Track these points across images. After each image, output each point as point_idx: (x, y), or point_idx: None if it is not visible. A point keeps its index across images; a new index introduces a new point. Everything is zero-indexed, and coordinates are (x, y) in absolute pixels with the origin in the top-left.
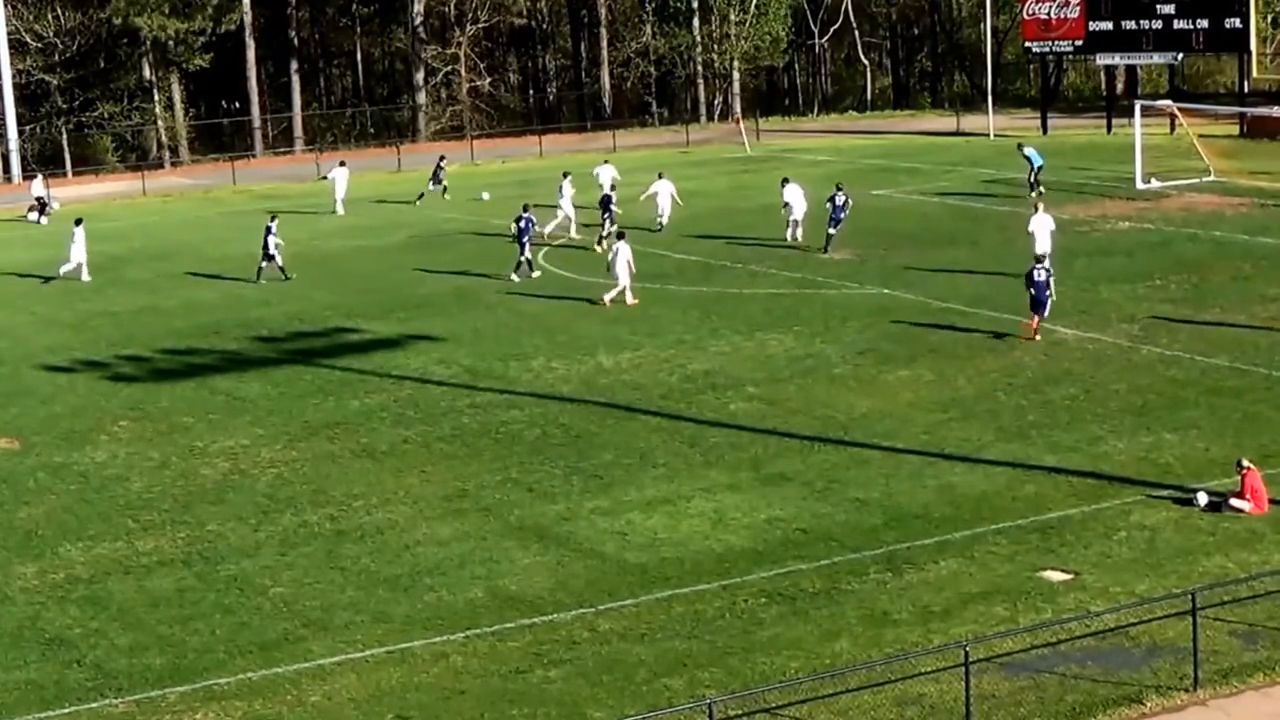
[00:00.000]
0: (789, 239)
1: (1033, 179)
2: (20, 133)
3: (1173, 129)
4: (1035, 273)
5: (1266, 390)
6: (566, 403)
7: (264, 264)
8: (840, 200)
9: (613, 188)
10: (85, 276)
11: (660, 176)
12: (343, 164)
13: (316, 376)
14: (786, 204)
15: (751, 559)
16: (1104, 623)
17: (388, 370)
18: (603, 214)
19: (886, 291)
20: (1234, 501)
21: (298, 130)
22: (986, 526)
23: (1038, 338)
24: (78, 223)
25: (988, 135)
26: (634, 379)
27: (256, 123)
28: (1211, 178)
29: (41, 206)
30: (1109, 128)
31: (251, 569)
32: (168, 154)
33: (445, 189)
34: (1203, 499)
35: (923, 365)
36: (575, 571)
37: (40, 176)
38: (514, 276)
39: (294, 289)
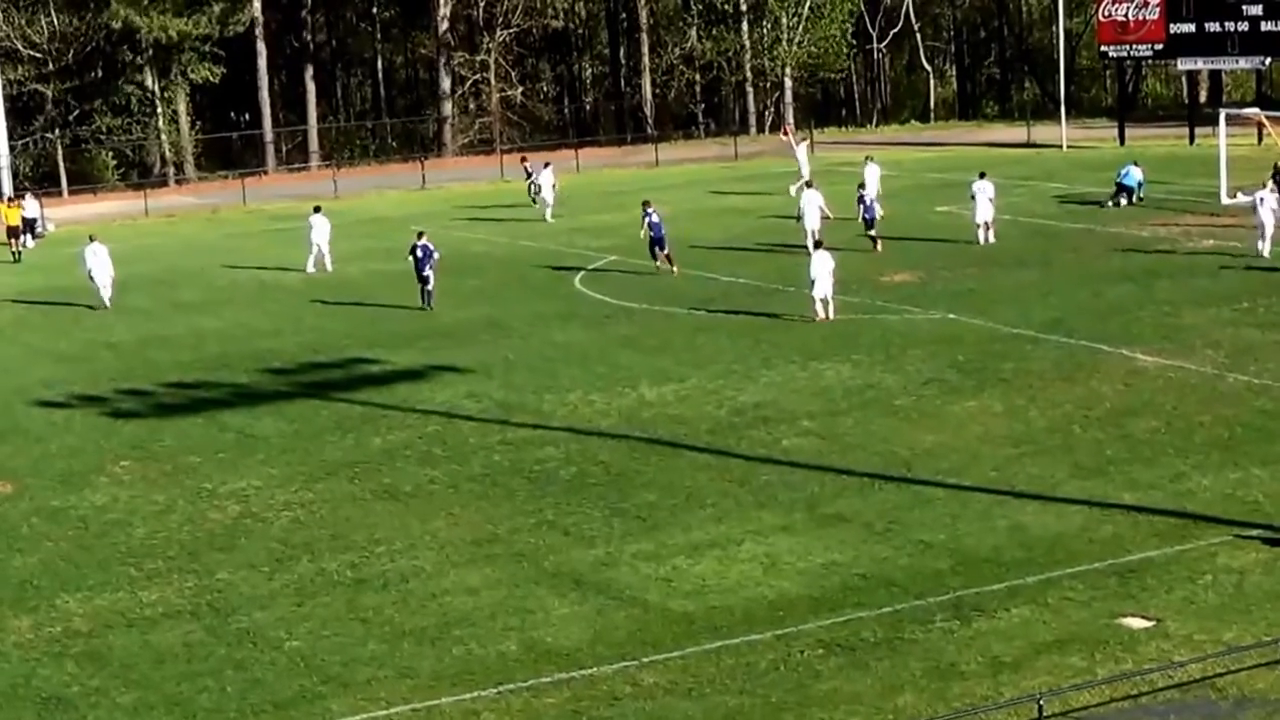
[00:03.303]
0: (980, 241)
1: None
2: (11, 148)
3: (1260, 139)
4: None
5: None
6: (606, 439)
7: (426, 286)
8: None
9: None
10: (329, 267)
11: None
12: (548, 165)
13: (334, 412)
14: (973, 198)
15: (807, 607)
16: (1188, 673)
17: (412, 405)
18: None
19: (952, 317)
20: None
21: (313, 145)
22: (1061, 570)
23: None
24: (316, 210)
25: (1060, 147)
26: (679, 413)
27: (269, 136)
28: None
29: (30, 227)
30: (1191, 138)
31: (265, 621)
32: (172, 170)
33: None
34: None
35: (992, 396)
36: (616, 621)
37: (30, 195)
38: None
39: (309, 317)
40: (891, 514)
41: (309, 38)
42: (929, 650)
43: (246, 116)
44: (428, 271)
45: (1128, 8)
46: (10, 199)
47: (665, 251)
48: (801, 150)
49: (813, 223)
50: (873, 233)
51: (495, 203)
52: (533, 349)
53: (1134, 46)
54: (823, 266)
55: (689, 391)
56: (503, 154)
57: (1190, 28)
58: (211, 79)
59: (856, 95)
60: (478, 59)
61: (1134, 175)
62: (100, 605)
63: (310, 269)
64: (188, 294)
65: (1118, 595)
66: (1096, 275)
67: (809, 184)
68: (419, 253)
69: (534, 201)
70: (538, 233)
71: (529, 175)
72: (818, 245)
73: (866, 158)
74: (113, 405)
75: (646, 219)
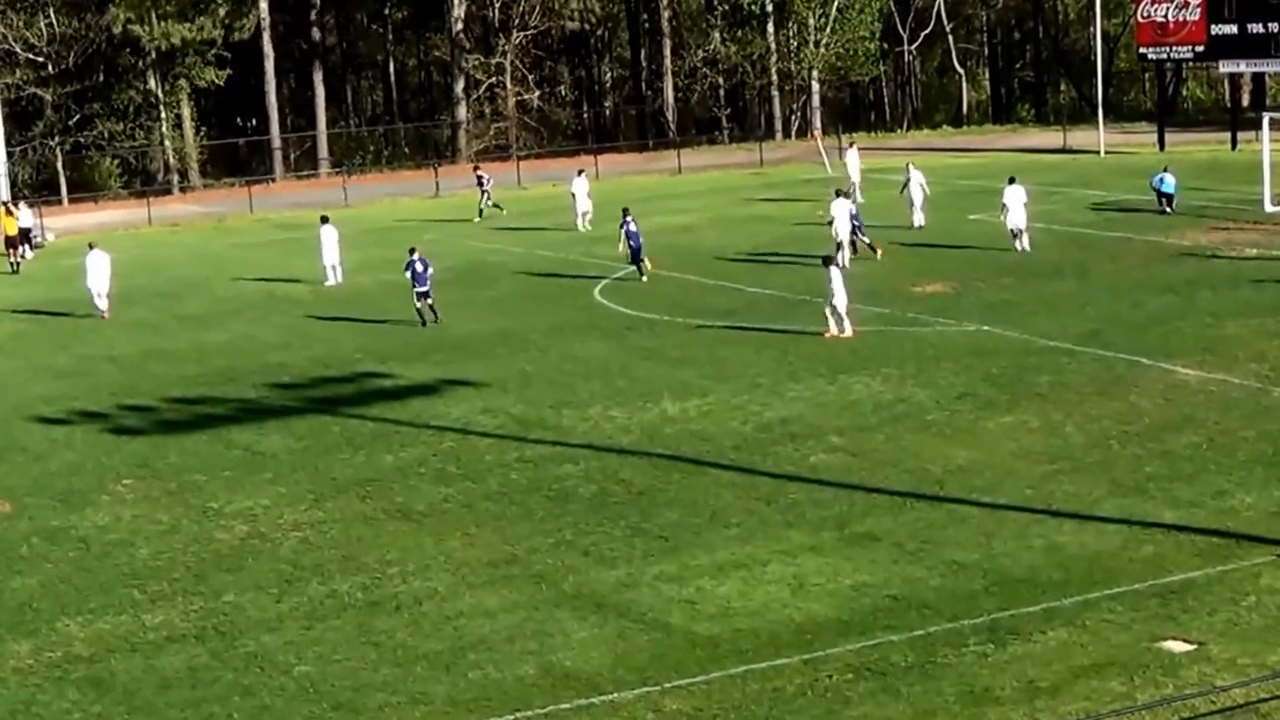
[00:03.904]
0: (1017, 249)
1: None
2: (10, 155)
3: None
4: None
5: None
6: (627, 455)
7: (419, 303)
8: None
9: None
10: (340, 278)
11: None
12: (581, 171)
13: (345, 428)
14: (1004, 206)
15: (836, 629)
16: (1232, 698)
17: (425, 420)
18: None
19: (986, 329)
20: None
21: (323, 151)
22: (1100, 591)
23: None
24: (324, 220)
25: (1098, 152)
26: (703, 428)
27: (276, 142)
28: None
29: (26, 237)
30: (1234, 143)
31: (273, 645)
32: (176, 178)
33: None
34: None
35: (1027, 411)
36: (638, 645)
37: (24, 203)
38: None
39: (318, 330)
40: (923, 533)
41: (318, 40)
42: (963, 675)
43: (253, 122)
44: (428, 285)
45: (1167, 9)
46: (6, 207)
47: (642, 259)
48: (852, 155)
49: (843, 233)
50: (866, 240)
51: (511, 210)
52: (551, 362)
53: (1174, 48)
54: (837, 281)
55: (713, 406)
56: (519, 160)
57: (1232, 29)
58: (217, 83)
59: (886, 99)
60: (493, 62)
61: (1169, 182)
62: (102, 629)
63: (329, 281)
64: (192, 306)
65: (1158, 617)
66: (1135, 285)
67: (839, 192)
68: (418, 266)
69: (482, 212)
70: (555, 242)
71: (481, 185)
72: (827, 261)
73: (909, 164)
74: (115, 421)
75: (624, 228)
